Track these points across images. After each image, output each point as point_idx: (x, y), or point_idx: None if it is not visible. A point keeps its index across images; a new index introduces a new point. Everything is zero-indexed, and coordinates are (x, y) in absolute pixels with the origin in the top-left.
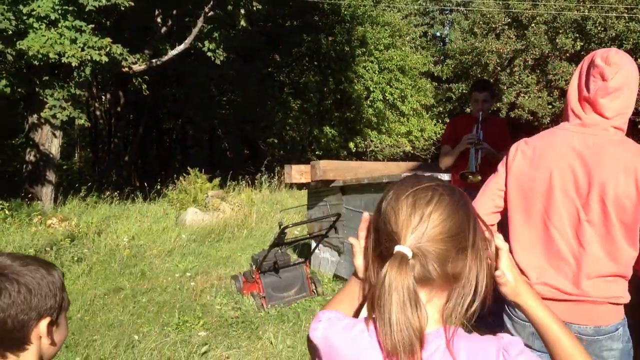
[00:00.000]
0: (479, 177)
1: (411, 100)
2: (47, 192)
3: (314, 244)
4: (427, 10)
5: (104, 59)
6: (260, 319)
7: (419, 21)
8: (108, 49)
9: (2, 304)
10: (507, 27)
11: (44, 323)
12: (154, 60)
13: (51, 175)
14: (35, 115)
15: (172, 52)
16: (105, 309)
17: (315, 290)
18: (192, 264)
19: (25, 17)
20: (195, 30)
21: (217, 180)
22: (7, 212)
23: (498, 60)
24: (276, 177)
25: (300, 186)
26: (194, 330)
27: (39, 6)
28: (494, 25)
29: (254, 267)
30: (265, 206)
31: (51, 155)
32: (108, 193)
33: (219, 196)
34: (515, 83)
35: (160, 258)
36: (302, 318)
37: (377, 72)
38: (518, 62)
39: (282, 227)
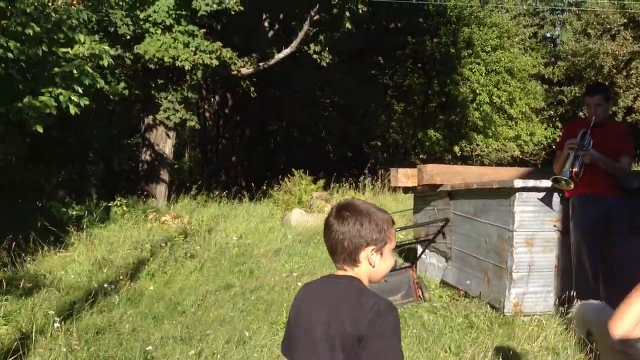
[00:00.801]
0: (572, 185)
1: (520, 103)
2: (161, 190)
3: (420, 249)
4: (537, 10)
5: (215, 62)
6: None
7: (529, 22)
8: (218, 52)
9: (344, 229)
10: (623, 27)
11: (369, 249)
12: (261, 64)
13: (165, 174)
14: (150, 117)
15: (279, 56)
16: (217, 305)
17: (422, 296)
18: (298, 264)
19: (142, 22)
20: (301, 34)
21: (321, 182)
22: (125, 208)
23: (614, 63)
24: (379, 180)
25: (405, 190)
26: None
27: (155, 11)
28: (609, 26)
29: None
30: None
31: (165, 155)
32: (217, 192)
33: (323, 198)
34: (632, 86)
35: (267, 257)
36: (408, 324)
37: (483, 74)
38: (635, 64)
39: None
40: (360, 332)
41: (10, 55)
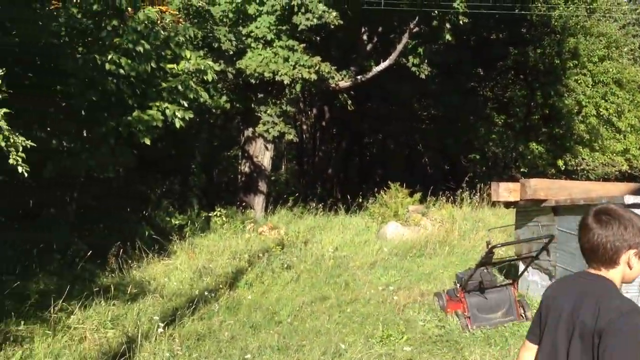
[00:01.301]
0: None
1: (629, 115)
2: (258, 201)
3: (522, 266)
4: None
5: (313, 76)
6: (465, 339)
7: (638, 31)
8: (317, 67)
9: (607, 232)
10: None
11: (631, 252)
12: (358, 77)
13: (263, 186)
14: (250, 130)
15: (377, 68)
16: (313, 316)
17: (524, 315)
18: (394, 277)
19: (244, 38)
20: (399, 46)
21: (417, 195)
22: (224, 218)
23: None
24: (477, 194)
25: (506, 204)
26: (398, 345)
27: (257, 27)
28: None
29: (458, 285)
30: (467, 223)
31: (263, 167)
32: (313, 204)
33: (420, 211)
34: None
35: (362, 270)
36: (510, 342)
37: (590, 85)
38: None
39: (490, 246)
40: (600, 327)
41: (121, 71)
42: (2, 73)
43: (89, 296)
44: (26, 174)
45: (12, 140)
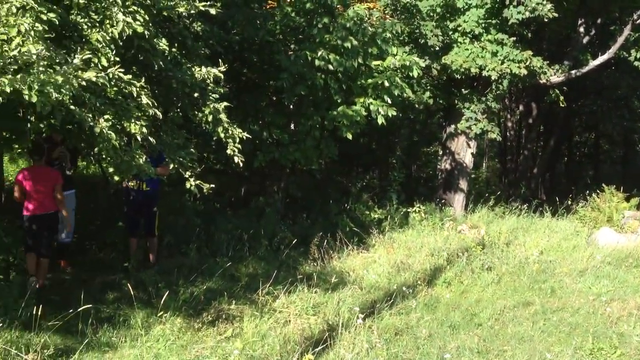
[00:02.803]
0: None
1: None
2: (458, 199)
3: None
4: None
5: (523, 71)
6: None
7: None
8: (528, 61)
9: None
10: None
11: None
12: (572, 72)
13: (463, 184)
14: (452, 126)
15: (594, 63)
16: (515, 322)
17: None
18: (606, 287)
19: (451, 33)
20: (620, 39)
21: (635, 200)
22: (423, 215)
23: None
24: None
25: None
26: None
27: (464, 21)
28: None
29: None
30: None
31: (464, 165)
32: (516, 205)
33: (637, 217)
34: None
35: (571, 277)
36: None
37: None
38: None
39: None
40: None
41: (330, 67)
42: (224, 69)
43: (293, 282)
44: (241, 164)
45: (230, 132)
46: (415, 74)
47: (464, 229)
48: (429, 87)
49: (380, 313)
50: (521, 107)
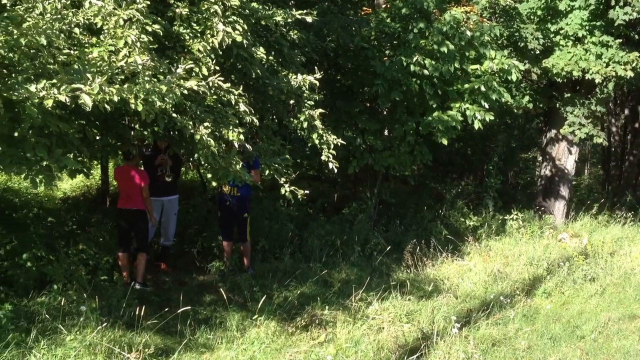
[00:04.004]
0: None
1: None
2: (559, 206)
3: None
4: None
5: (629, 74)
6: None
7: None
8: (635, 63)
9: None
10: None
11: None
12: None
13: (565, 191)
14: (553, 131)
15: None
16: (620, 335)
17: None
18: None
19: (552, 35)
20: None
21: None
22: (520, 222)
23: None
24: None
25: None
26: None
27: (567, 24)
28: None
29: None
30: None
31: (566, 171)
32: (620, 213)
33: None
34: None
35: None
36: None
37: None
38: None
39: None
40: None
41: (425, 72)
42: (320, 76)
43: (386, 289)
44: (335, 170)
45: (325, 138)
46: (514, 77)
47: (564, 238)
48: (528, 91)
49: (477, 323)
50: (626, 112)
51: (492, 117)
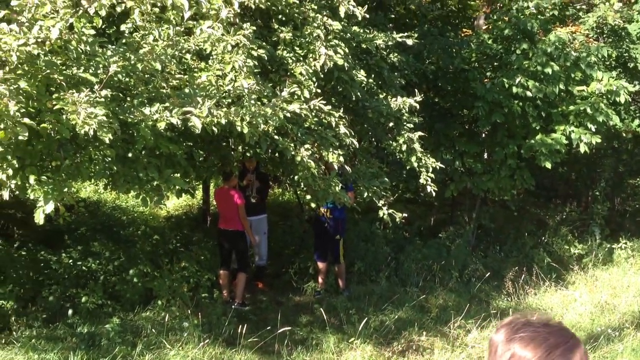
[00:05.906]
0: None
1: None
2: None
3: None
4: None
5: None
6: None
7: None
8: None
9: None
10: None
11: None
12: None
13: None
14: None
15: None
16: None
17: None
18: None
19: None
20: None
21: None
22: (629, 251)
23: None
24: None
25: None
26: None
27: None
28: None
29: None
30: None
31: None
32: None
33: None
34: None
35: None
36: None
37: None
38: None
39: None
40: None
41: (528, 93)
42: (420, 99)
43: (485, 317)
44: (433, 193)
45: (423, 162)
46: (622, 99)
47: None
48: (638, 114)
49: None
50: None
51: (598, 140)
